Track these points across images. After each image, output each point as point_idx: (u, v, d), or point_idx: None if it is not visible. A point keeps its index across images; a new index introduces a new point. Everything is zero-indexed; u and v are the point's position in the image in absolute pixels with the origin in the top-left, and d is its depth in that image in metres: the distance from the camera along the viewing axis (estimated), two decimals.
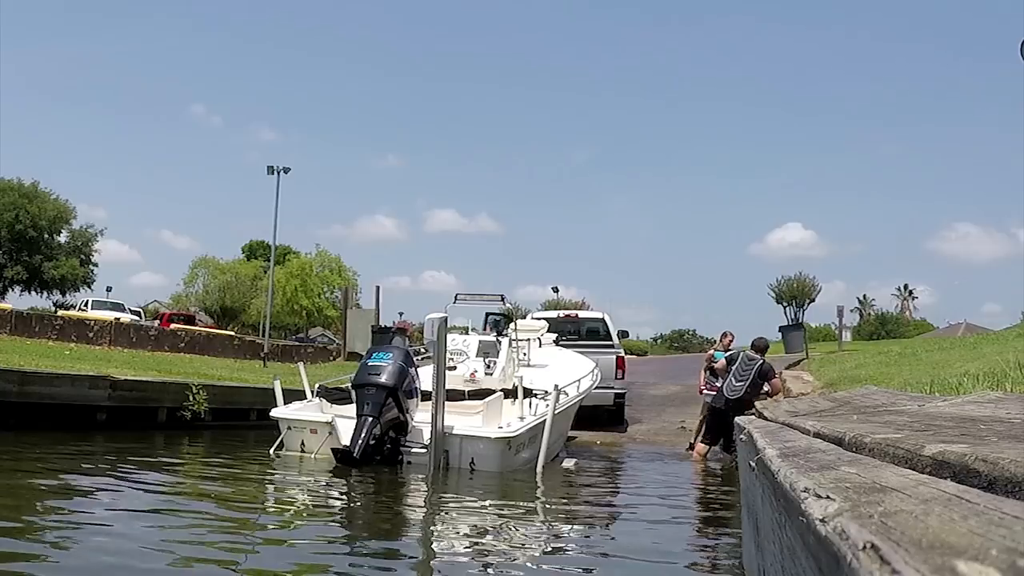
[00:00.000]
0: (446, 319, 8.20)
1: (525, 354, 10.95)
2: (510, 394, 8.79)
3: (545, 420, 8.22)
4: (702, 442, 10.15)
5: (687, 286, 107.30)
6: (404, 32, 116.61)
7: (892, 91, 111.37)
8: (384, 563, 4.21)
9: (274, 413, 8.51)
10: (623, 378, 13.58)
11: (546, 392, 8.73)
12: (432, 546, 4.66)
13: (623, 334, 15.05)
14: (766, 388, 10.09)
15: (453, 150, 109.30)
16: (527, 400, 8.58)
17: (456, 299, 10.79)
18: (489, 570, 4.06)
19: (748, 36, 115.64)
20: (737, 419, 3.76)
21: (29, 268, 41.57)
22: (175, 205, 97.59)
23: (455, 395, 8.56)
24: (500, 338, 10.62)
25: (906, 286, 74.93)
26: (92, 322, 26.07)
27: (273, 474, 7.41)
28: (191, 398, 10.43)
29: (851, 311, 56.91)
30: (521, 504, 6.51)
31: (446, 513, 5.90)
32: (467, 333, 11.46)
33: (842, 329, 27.29)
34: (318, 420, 8.22)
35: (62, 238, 43.93)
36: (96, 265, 46.00)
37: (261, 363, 22.74)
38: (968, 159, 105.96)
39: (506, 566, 4.17)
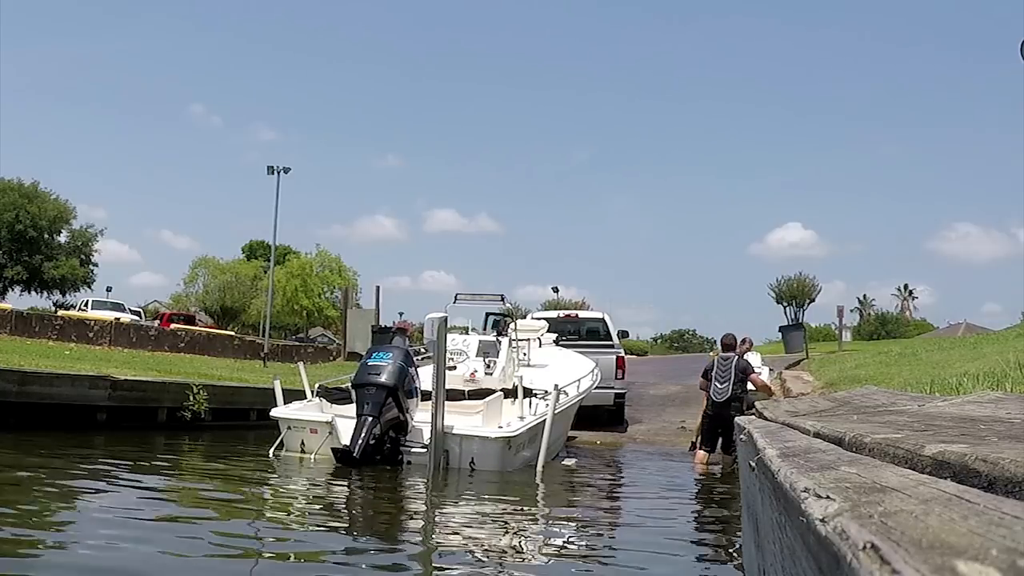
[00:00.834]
0: (446, 319, 8.20)
1: (525, 354, 10.95)
2: (510, 394, 8.79)
3: (545, 420, 8.22)
4: (701, 449, 10.14)
5: (687, 286, 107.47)
6: (404, 32, 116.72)
7: (892, 91, 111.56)
8: (384, 563, 4.21)
9: (274, 413, 8.51)
10: (623, 378, 13.58)
11: (546, 392, 8.72)
12: (432, 546, 4.66)
13: (623, 334, 15.05)
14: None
15: (453, 150, 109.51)
16: (527, 400, 8.58)
17: (456, 299, 10.79)
18: (489, 570, 4.06)
19: (748, 36, 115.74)
20: (737, 419, 3.76)
21: (29, 268, 41.58)
22: (175, 205, 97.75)
23: (455, 395, 8.56)
24: (500, 338, 10.62)
25: (906, 286, 74.98)
26: (92, 322, 26.08)
27: (273, 474, 7.41)
28: (191, 398, 10.43)
29: (851, 311, 56.92)
30: (521, 504, 6.51)
31: (446, 513, 5.90)
32: (467, 333, 11.46)
33: (842, 329, 27.29)
34: (318, 420, 8.21)
35: (62, 238, 43.97)
36: (96, 265, 46.10)
37: (261, 363, 22.74)
38: (968, 159, 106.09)
39: (506, 566, 4.17)
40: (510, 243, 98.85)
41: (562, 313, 16.06)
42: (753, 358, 10.73)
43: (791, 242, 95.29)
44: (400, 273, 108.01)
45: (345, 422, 7.91)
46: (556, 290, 39.98)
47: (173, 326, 31.12)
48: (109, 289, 47.04)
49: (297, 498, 6.35)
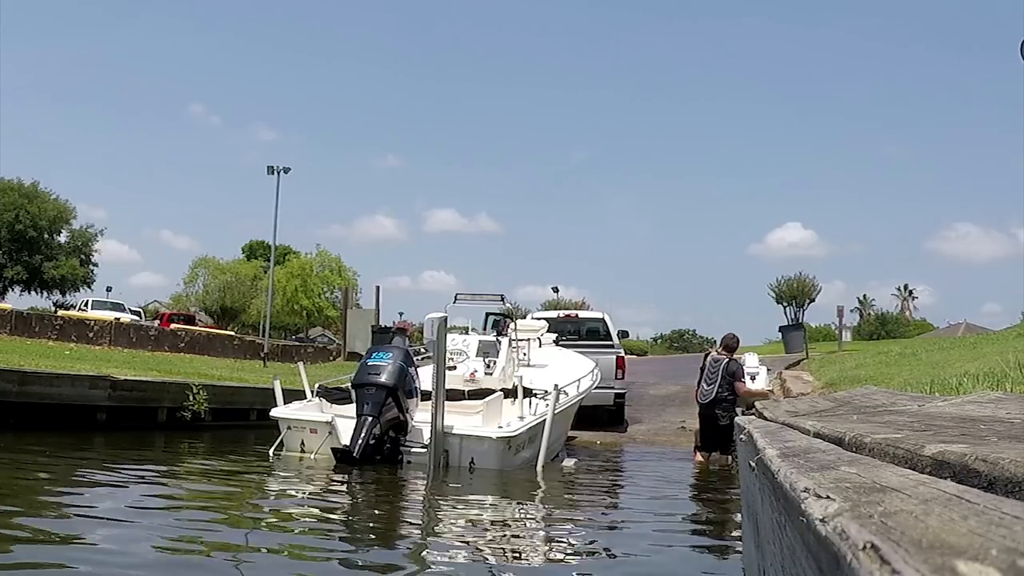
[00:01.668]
0: (446, 319, 8.20)
1: (525, 354, 10.95)
2: (510, 394, 8.79)
3: (545, 420, 8.22)
4: (700, 451, 10.13)
5: (687, 286, 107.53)
6: (404, 32, 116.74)
7: (892, 91, 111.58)
8: (384, 563, 4.21)
9: (274, 413, 8.51)
10: (623, 378, 13.57)
11: (546, 392, 8.72)
12: (432, 546, 4.66)
13: (623, 334, 15.05)
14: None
15: (453, 150, 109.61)
16: (527, 400, 8.57)
17: (456, 299, 10.79)
18: (489, 570, 4.06)
19: (748, 36, 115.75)
20: (737, 419, 3.76)
21: (29, 268, 41.58)
22: (175, 205, 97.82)
23: (455, 395, 8.56)
24: (500, 338, 10.62)
25: (906, 286, 74.99)
26: (92, 322, 26.06)
27: (273, 474, 7.40)
28: (191, 398, 10.43)
29: (851, 311, 56.92)
30: (521, 504, 6.51)
31: (446, 513, 5.89)
32: (467, 333, 11.46)
33: (842, 329, 27.30)
34: (318, 420, 8.21)
35: (62, 238, 43.98)
36: (96, 265, 46.12)
37: (261, 363, 22.73)
38: (968, 159, 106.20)
39: (506, 566, 4.17)
40: (510, 243, 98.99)
41: (562, 313, 16.05)
42: (751, 358, 10.70)
43: (791, 242, 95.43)
44: (400, 273, 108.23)
45: (345, 422, 7.91)
46: (556, 290, 40.02)
47: (173, 326, 31.10)
48: (109, 289, 47.17)
49: (297, 498, 6.35)
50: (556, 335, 12.92)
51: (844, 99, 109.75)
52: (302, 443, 8.18)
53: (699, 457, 9.98)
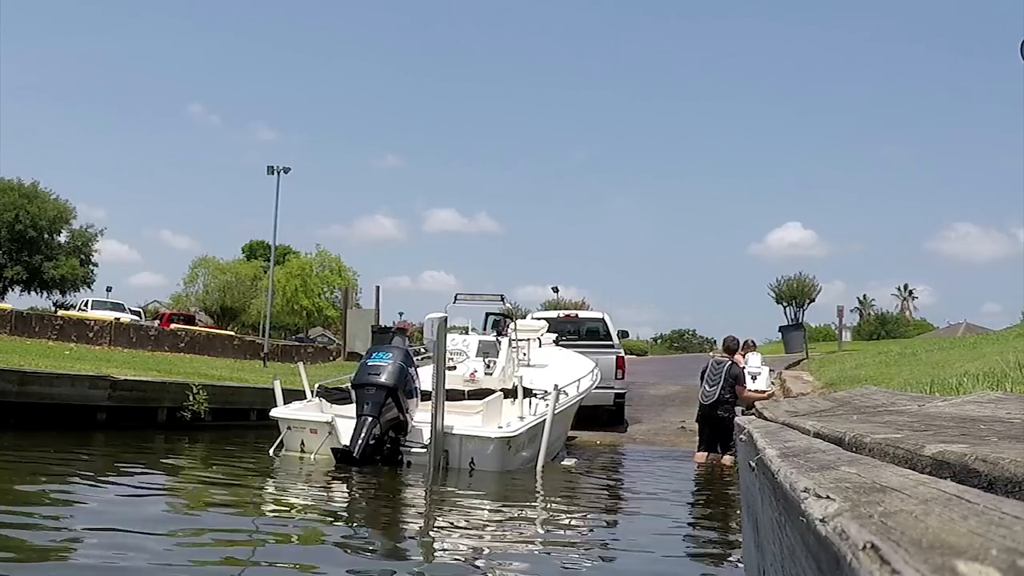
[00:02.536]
0: (446, 319, 8.20)
1: (525, 354, 10.95)
2: (510, 394, 8.79)
3: (545, 420, 8.22)
4: (699, 450, 10.17)
5: (687, 286, 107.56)
6: (403, 32, 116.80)
7: (892, 91, 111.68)
8: (384, 563, 4.21)
9: (274, 413, 8.51)
10: (623, 378, 13.57)
11: (546, 392, 8.72)
12: (432, 546, 4.66)
13: (623, 334, 15.05)
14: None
15: (453, 150, 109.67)
16: (527, 400, 8.57)
17: (456, 299, 10.79)
18: (489, 570, 4.06)
19: (748, 36, 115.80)
20: (737, 419, 3.76)
21: (29, 268, 41.58)
22: (175, 205, 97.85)
23: (455, 395, 8.56)
24: (500, 338, 10.62)
25: (906, 286, 75.01)
26: (92, 322, 26.07)
27: (273, 474, 7.41)
28: (191, 398, 10.43)
29: (851, 311, 56.94)
30: (521, 504, 6.51)
31: (446, 513, 5.90)
32: (467, 333, 11.46)
33: (842, 329, 27.30)
34: (318, 420, 8.21)
35: (62, 238, 43.98)
36: (96, 265, 46.12)
37: (261, 363, 22.74)
38: (968, 159, 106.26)
39: (506, 566, 4.17)
40: (510, 243, 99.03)
41: (562, 313, 16.05)
42: (754, 358, 10.70)
43: (791, 242, 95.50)
44: (400, 273, 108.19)
45: (345, 422, 7.91)
46: (556, 290, 40.07)
47: (173, 326, 31.11)
48: (109, 289, 47.16)
49: (297, 498, 6.35)
50: (556, 335, 12.92)
51: (844, 99, 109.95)
52: (302, 443, 8.18)
53: (699, 457, 10.00)
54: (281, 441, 8.26)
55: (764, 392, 10.13)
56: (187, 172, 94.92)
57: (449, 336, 8.92)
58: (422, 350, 9.44)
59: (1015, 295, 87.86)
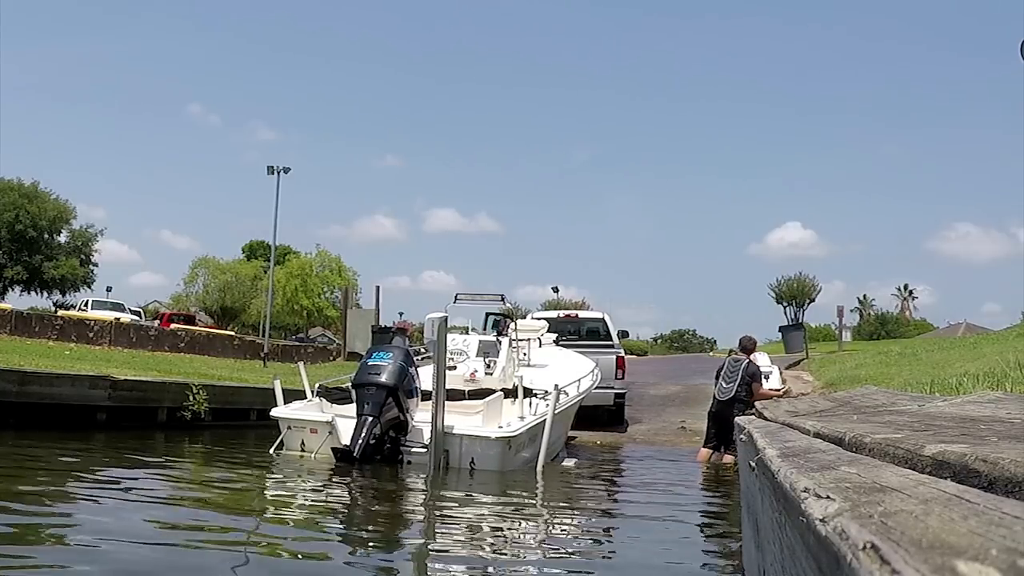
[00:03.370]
0: (446, 319, 8.20)
1: (525, 354, 10.95)
2: (510, 394, 8.79)
3: (545, 420, 8.22)
4: (705, 447, 10.17)
5: (687, 286, 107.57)
6: (403, 32, 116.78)
7: (892, 91, 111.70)
8: (384, 563, 4.22)
9: (274, 413, 8.51)
10: (623, 378, 13.57)
11: (546, 392, 8.72)
12: (432, 546, 4.66)
13: (623, 334, 15.04)
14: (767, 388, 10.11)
15: (452, 150, 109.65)
16: (527, 400, 8.57)
17: (456, 299, 10.79)
18: (489, 570, 4.06)
19: (749, 36, 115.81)
20: (737, 419, 3.76)
21: (29, 268, 41.58)
22: (175, 205, 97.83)
23: (455, 395, 8.56)
24: (500, 338, 10.62)
25: (906, 286, 74.97)
26: (92, 322, 26.07)
27: (273, 474, 7.41)
28: (191, 398, 10.43)
29: (851, 311, 56.91)
30: (521, 504, 6.51)
31: (446, 513, 5.90)
32: (467, 333, 11.46)
33: (842, 329, 27.32)
34: (318, 420, 8.21)
35: (62, 238, 43.98)
36: (96, 265, 46.13)
37: (261, 363, 22.74)
38: (968, 159, 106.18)
39: (506, 566, 4.17)
40: (510, 243, 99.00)
41: (562, 313, 16.05)
42: (763, 358, 10.71)
43: (791, 242, 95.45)
44: (400, 273, 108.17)
45: (345, 422, 7.91)
46: (556, 290, 40.07)
47: (173, 326, 31.11)
48: (109, 289, 47.12)
49: (297, 498, 6.35)
50: (556, 335, 12.92)
51: (844, 99, 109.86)
52: (302, 443, 8.18)
53: (703, 452, 10.01)
54: (281, 441, 8.26)
55: (779, 390, 10.17)
56: (187, 172, 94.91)
57: (449, 336, 8.92)
58: (422, 350, 9.44)
59: (1015, 295, 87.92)
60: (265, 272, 46.45)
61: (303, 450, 8.14)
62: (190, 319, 37.65)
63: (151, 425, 10.01)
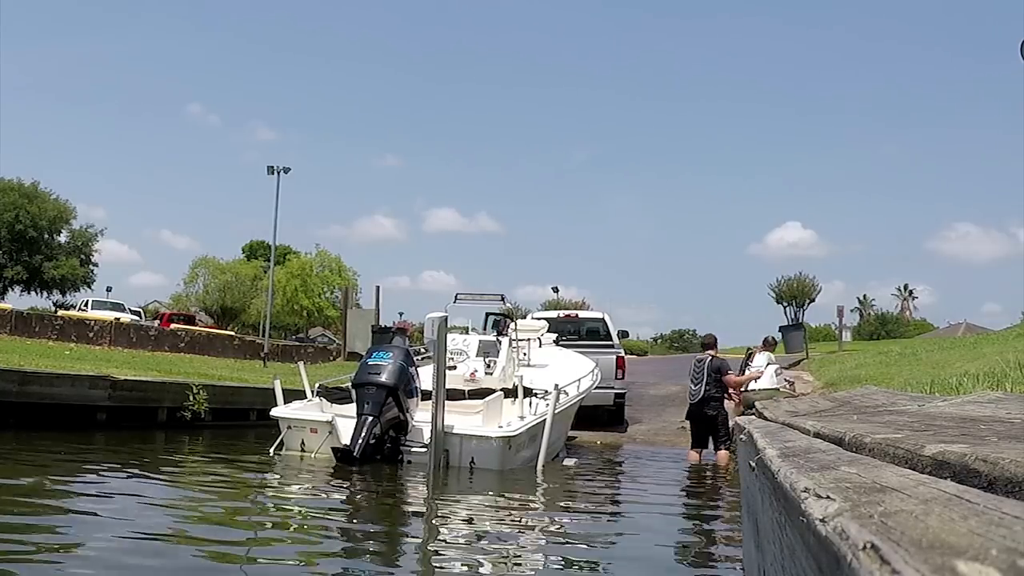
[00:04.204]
0: (446, 319, 8.20)
1: (525, 354, 10.95)
2: (510, 394, 8.79)
3: (545, 420, 8.22)
4: (692, 448, 10.21)
5: (687, 286, 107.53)
6: (403, 32, 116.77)
7: (892, 91, 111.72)
8: (384, 563, 4.22)
9: (274, 413, 8.51)
10: (623, 378, 13.57)
11: (546, 392, 8.72)
12: (432, 546, 4.65)
13: (623, 334, 15.05)
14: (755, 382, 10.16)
15: (452, 150, 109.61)
16: (527, 400, 8.58)
17: (456, 299, 10.80)
18: (489, 570, 4.06)
19: (748, 36, 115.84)
20: (738, 419, 3.76)
21: (29, 268, 41.58)
22: (175, 205, 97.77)
23: (455, 395, 8.56)
24: (500, 338, 10.62)
25: (906, 286, 75.02)
26: (92, 322, 26.08)
27: (273, 474, 7.41)
28: (191, 398, 10.43)
29: (851, 311, 56.94)
30: (521, 504, 6.51)
31: (446, 513, 5.90)
32: (467, 333, 11.46)
33: (842, 329, 27.32)
34: (318, 419, 8.21)
35: (62, 238, 43.98)
36: (96, 265, 46.11)
37: (261, 363, 22.74)
38: (968, 159, 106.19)
39: (506, 566, 4.17)
40: (510, 243, 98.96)
41: (562, 313, 16.05)
42: (759, 358, 10.70)
43: (790, 242, 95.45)
44: (400, 273, 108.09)
45: (345, 422, 7.91)
46: (556, 290, 40.06)
47: (173, 326, 31.11)
48: (109, 289, 47.12)
49: (297, 498, 6.35)
50: (556, 335, 12.92)
51: (844, 99, 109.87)
52: (302, 443, 8.18)
53: (693, 456, 10.06)
54: (281, 441, 8.26)
55: (750, 377, 10.22)
56: (187, 172, 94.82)
57: (449, 336, 8.92)
58: (422, 350, 9.44)
59: (1015, 295, 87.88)
60: (265, 272, 46.46)
61: (303, 450, 8.14)
62: (190, 319, 37.65)
63: (151, 425, 10.01)
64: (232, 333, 36.16)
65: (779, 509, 1.19)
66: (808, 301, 34.35)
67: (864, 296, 72.13)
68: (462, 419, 8.04)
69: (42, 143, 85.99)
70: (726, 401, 10.26)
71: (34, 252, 41.64)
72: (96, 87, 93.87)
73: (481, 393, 8.89)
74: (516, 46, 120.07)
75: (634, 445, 12.15)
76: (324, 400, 8.68)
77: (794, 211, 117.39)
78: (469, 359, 10.16)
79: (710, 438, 10.04)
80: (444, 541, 4.82)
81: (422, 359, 9.17)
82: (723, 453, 9.72)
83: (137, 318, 33.57)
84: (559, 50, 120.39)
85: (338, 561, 4.10)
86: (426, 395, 8.00)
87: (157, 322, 33.57)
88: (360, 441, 7.45)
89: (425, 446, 7.71)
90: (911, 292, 75.03)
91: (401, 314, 46.75)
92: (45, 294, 43.82)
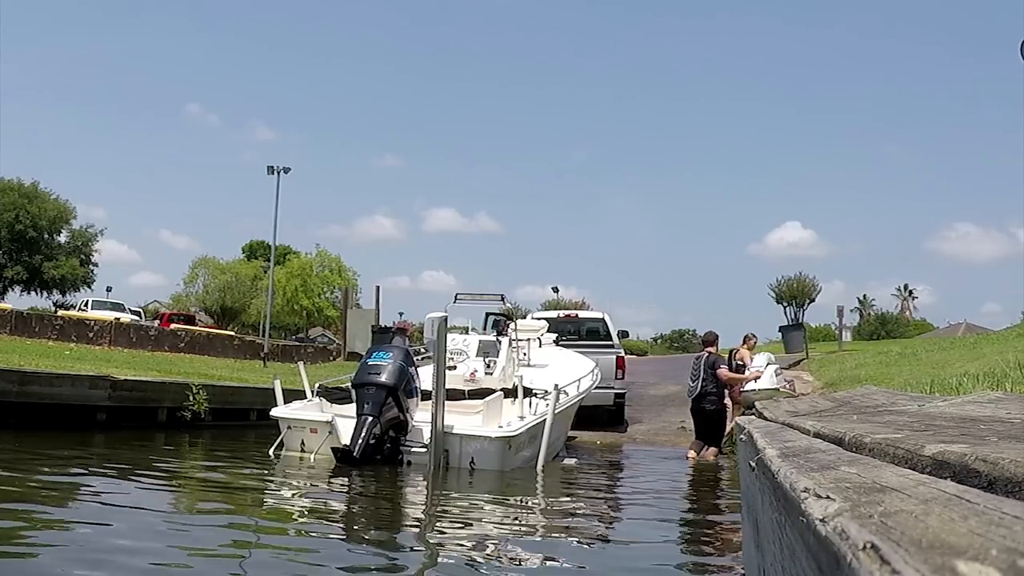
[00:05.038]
0: (446, 319, 8.20)
1: (525, 354, 10.95)
2: (510, 394, 8.79)
3: (545, 420, 8.22)
4: (691, 446, 10.33)
5: (687, 286, 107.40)
6: (403, 31, 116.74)
7: (892, 91, 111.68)
8: (384, 563, 4.22)
9: (274, 413, 8.51)
10: (623, 378, 13.58)
11: (546, 392, 8.72)
12: (432, 546, 4.65)
13: (623, 334, 15.05)
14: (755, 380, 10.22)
15: (452, 150, 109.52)
16: (527, 400, 8.58)
17: (456, 299, 10.80)
18: (489, 570, 4.06)
19: (748, 35, 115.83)
20: (738, 419, 3.77)
21: (29, 268, 41.58)
22: (174, 205, 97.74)
23: (455, 395, 8.56)
24: (500, 338, 10.62)
25: (906, 286, 74.98)
26: (92, 322, 26.08)
27: (273, 474, 7.41)
28: (191, 398, 10.43)
29: (851, 311, 56.93)
30: (521, 504, 6.51)
31: (446, 513, 5.90)
32: (467, 333, 11.46)
33: (842, 329, 27.30)
34: (318, 420, 8.21)
35: (62, 238, 43.98)
36: (96, 265, 46.11)
37: (261, 363, 22.74)
38: (968, 159, 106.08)
39: (506, 566, 4.17)
40: (510, 243, 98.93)
41: (562, 313, 16.05)
42: (759, 358, 10.69)
43: (790, 242, 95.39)
44: (400, 273, 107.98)
45: (345, 422, 7.91)
46: (556, 290, 40.06)
47: (173, 326, 31.10)
48: (109, 289, 47.11)
49: (297, 498, 6.35)
50: (556, 335, 12.92)
51: (844, 99, 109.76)
52: (302, 443, 8.18)
53: (691, 454, 10.16)
54: (281, 441, 8.26)
55: (748, 377, 10.24)
56: (187, 172, 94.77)
57: (449, 336, 8.92)
58: (422, 350, 9.44)
59: (1015, 295, 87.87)
60: (265, 272, 46.44)
61: (303, 450, 8.14)
62: (190, 319, 37.64)
63: (151, 425, 10.01)
64: (232, 333, 36.15)
65: (779, 509, 1.18)
66: (808, 301, 34.38)
67: (864, 296, 72.15)
68: (462, 419, 8.04)
69: (42, 143, 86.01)
70: (726, 401, 10.37)
71: (34, 252, 41.63)
72: (96, 87, 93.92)
73: (481, 393, 8.89)
74: (515, 46, 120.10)
75: (634, 445, 12.15)
76: (324, 400, 8.68)
77: (794, 211, 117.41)
78: (469, 359, 10.16)
79: (708, 436, 10.18)
80: (444, 541, 4.82)
81: (422, 359, 9.17)
82: (711, 450, 9.97)
83: (137, 318, 33.57)
84: (558, 50, 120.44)
85: (338, 561, 4.10)
86: (426, 395, 8.00)
87: (157, 322, 33.57)
88: (360, 441, 7.45)
89: (425, 446, 7.71)
90: (911, 292, 75.05)
91: (401, 314, 46.74)
92: (45, 294, 43.86)
